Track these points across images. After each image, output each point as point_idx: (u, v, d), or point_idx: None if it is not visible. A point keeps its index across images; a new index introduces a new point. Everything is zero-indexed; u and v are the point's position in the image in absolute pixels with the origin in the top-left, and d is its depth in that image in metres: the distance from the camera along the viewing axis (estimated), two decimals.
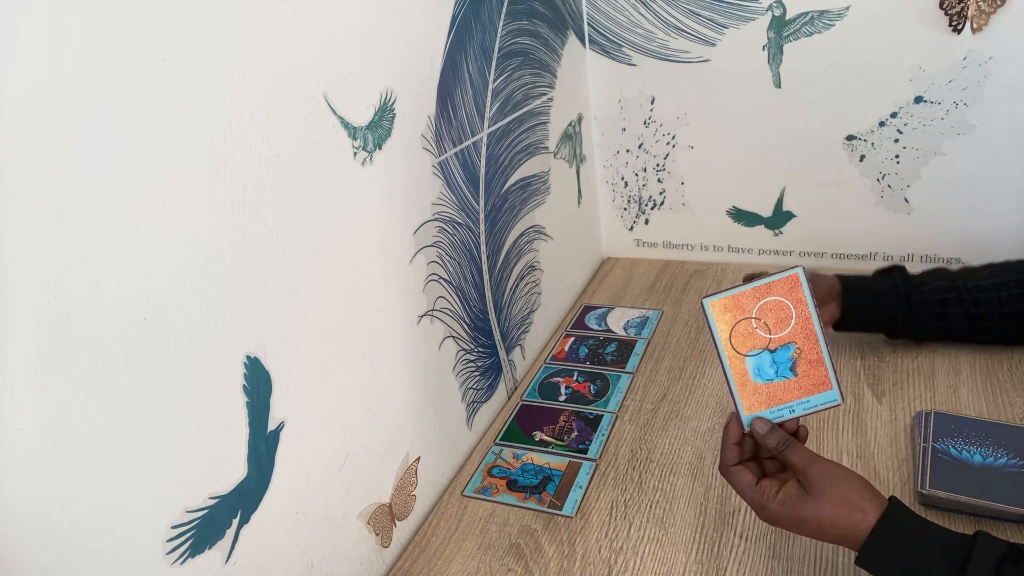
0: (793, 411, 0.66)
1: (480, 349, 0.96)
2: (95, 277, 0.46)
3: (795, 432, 0.66)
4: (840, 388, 0.65)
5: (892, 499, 0.60)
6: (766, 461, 0.67)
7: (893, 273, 0.97)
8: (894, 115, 1.11)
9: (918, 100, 1.09)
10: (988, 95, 1.05)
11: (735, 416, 0.66)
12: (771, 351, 0.65)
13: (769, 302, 0.65)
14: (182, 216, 0.52)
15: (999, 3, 1.00)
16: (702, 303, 0.66)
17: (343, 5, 0.65)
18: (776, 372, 0.66)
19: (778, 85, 1.15)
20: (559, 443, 0.94)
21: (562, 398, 1.02)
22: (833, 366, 0.65)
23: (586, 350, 1.12)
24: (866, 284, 0.96)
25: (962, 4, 1.01)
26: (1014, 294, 0.91)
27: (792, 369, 0.65)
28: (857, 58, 1.09)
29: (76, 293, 0.45)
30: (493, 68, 0.94)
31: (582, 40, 1.22)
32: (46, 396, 0.44)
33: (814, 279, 0.92)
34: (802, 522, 0.61)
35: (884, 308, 0.95)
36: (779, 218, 1.26)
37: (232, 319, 0.57)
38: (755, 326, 0.65)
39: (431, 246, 0.83)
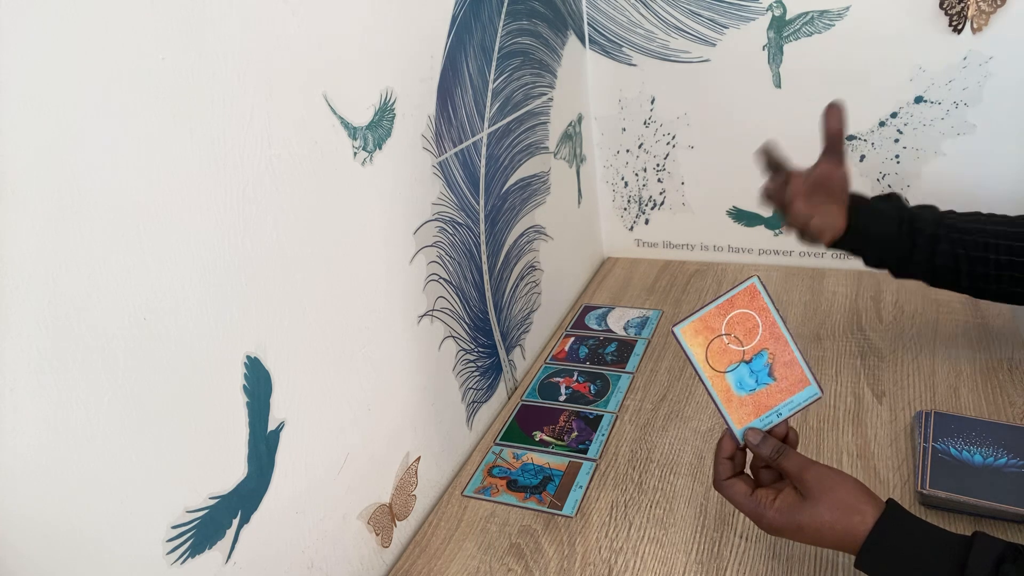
0: (780, 414, 0.67)
1: (480, 349, 0.96)
2: (95, 277, 0.46)
3: (785, 437, 0.66)
4: (817, 382, 0.67)
5: (890, 501, 0.60)
6: (761, 472, 0.67)
7: (892, 199, 0.90)
8: (894, 115, 1.11)
9: (918, 100, 1.09)
10: (988, 95, 1.05)
11: (728, 432, 0.68)
12: (747, 362, 0.67)
13: (734, 316, 0.67)
14: (182, 216, 0.52)
15: (999, 3, 1.00)
16: (673, 331, 0.67)
17: (343, 5, 0.65)
18: (756, 381, 0.67)
19: (778, 85, 1.15)
20: (559, 443, 0.94)
21: (562, 398, 1.02)
22: (806, 363, 0.67)
23: (586, 350, 1.12)
24: (873, 203, 0.89)
25: (962, 4, 1.01)
26: (1012, 245, 0.84)
27: (770, 375, 0.67)
28: (857, 58, 1.09)
29: (76, 293, 0.45)
30: (493, 68, 0.94)
31: (582, 40, 1.22)
32: (46, 396, 0.44)
33: (831, 170, 0.85)
34: (801, 528, 0.61)
35: (885, 231, 0.87)
36: (779, 218, 1.26)
37: (232, 319, 0.57)
38: (727, 342, 0.67)
39: (431, 246, 0.83)
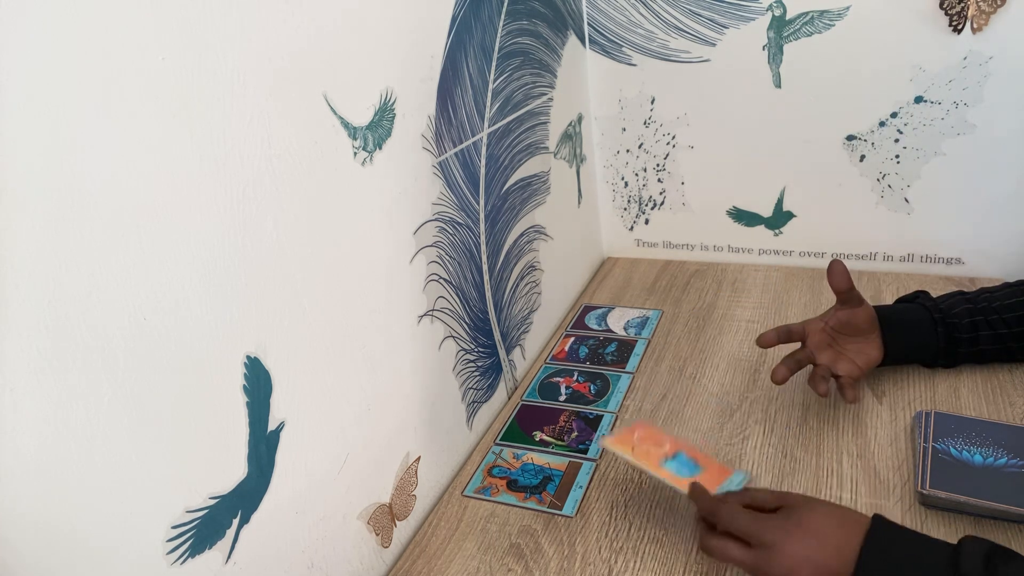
0: (729, 490, 0.72)
1: (480, 349, 0.96)
2: (95, 277, 0.46)
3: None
4: (740, 470, 0.75)
5: (876, 516, 0.62)
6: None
7: (922, 299, 0.93)
8: (894, 115, 1.11)
9: (918, 100, 1.09)
10: (988, 95, 1.05)
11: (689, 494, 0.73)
12: (671, 458, 0.75)
13: (640, 434, 0.78)
14: (182, 216, 0.52)
15: (999, 3, 1.00)
16: (602, 445, 0.80)
17: (343, 5, 0.65)
18: (689, 470, 0.74)
19: (778, 85, 1.15)
20: (559, 443, 0.94)
21: (562, 398, 1.02)
22: (718, 460, 0.78)
23: (586, 350, 1.12)
24: (901, 315, 0.92)
25: (962, 4, 1.01)
26: None
27: (696, 465, 0.75)
28: (857, 58, 1.09)
29: (76, 293, 0.45)
30: (493, 68, 0.94)
31: (582, 40, 1.22)
32: (46, 396, 0.44)
33: (851, 314, 0.87)
34: (793, 571, 0.62)
35: (924, 338, 0.91)
36: (779, 218, 1.26)
37: (232, 319, 0.57)
38: (646, 448, 0.77)
39: (431, 246, 0.83)
